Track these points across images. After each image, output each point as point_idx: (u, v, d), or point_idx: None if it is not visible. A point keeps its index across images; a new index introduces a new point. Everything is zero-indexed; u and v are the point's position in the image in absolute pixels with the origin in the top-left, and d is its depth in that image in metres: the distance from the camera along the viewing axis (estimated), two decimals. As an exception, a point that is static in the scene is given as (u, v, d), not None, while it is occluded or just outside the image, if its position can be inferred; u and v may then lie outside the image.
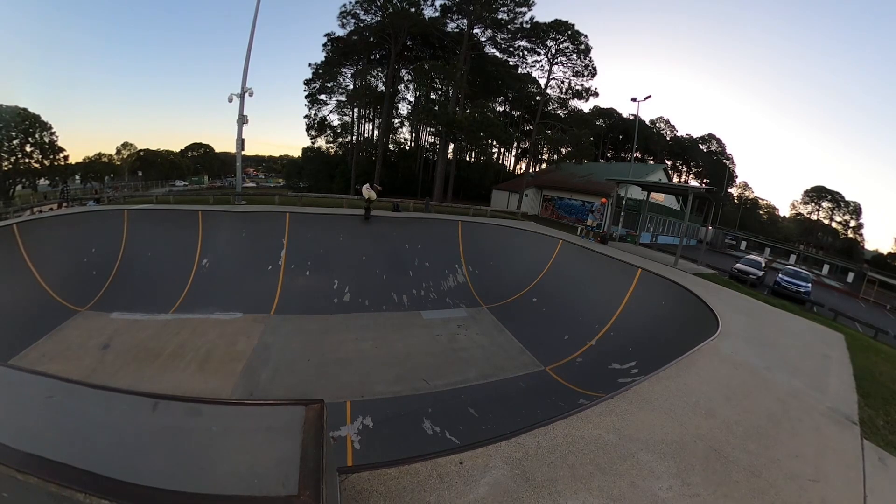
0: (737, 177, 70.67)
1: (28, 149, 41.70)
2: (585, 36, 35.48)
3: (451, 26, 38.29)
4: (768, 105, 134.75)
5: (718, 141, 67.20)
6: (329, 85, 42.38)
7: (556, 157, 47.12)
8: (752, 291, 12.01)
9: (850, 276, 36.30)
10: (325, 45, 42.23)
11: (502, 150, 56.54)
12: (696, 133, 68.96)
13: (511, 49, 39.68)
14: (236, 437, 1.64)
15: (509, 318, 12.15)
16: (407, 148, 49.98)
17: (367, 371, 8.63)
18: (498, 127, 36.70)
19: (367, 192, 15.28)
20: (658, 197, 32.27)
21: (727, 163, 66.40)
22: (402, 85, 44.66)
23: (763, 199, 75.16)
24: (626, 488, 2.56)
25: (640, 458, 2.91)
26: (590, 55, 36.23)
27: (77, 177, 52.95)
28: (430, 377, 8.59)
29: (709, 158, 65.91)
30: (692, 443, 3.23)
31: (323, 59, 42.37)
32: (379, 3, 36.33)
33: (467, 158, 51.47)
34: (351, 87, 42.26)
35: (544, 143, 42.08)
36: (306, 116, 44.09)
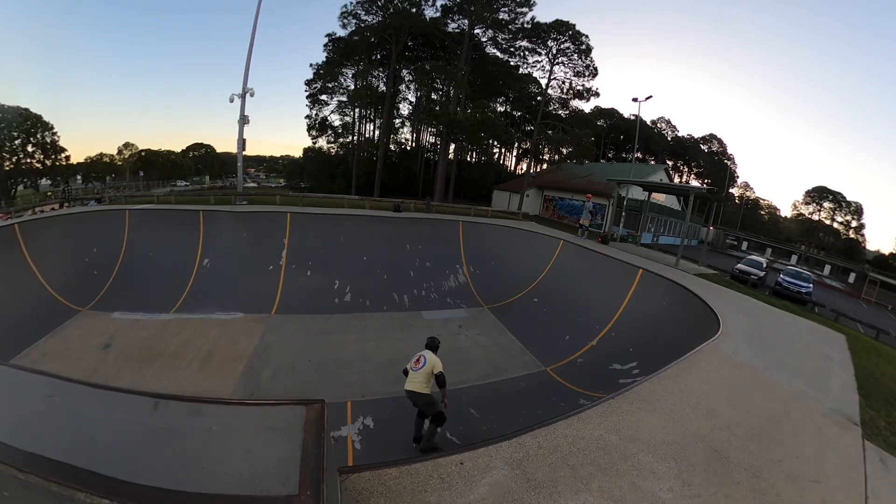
0: (738, 177, 70.64)
1: (30, 149, 41.86)
2: (586, 36, 35.54)
3: (452, 26, 38.30)
4: (770, 105, 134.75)
5: (720, 141, 67.18)
6: (330, 85, 42.41)
7: (557, 157, 47.15)
8: (753, 292, 11.97)
9: (852, 277, 36.19)
10: (326, 45, 42.34)
11: (503, 150, 56.57)
12: (698, 133, 68.88)
13: (512, 49, 39.65)
14: (237, 437, 1.64)
15: (510, 319, 12.13)
16: (408, 148, 50.01)
17: (368, 371, 8.62)
18: (499, 127, 36.74)
19: None
20: (659, 197, 32.23)
21: (728, 163, 66.32)
22: (403, 85, 44.71)
23: (764, 200, 75.20)
24: (628, 489, 2.56)
25: (640, 458, 2.90)
26: (591, 55, 36.29)
27: (78, 177, 53.16)
28: (431, 377, 8.58)
29: (710, 159, 65.82)
30: (693, 444, 3.22)
31: (324, 59, 42.50)
32: (380, 4, 36.37)
33: (468, 159, 51.49)
34: (352, 87, 42.26)
35: (545, 143, 42.13)
36: (307, 117, 44.20)
